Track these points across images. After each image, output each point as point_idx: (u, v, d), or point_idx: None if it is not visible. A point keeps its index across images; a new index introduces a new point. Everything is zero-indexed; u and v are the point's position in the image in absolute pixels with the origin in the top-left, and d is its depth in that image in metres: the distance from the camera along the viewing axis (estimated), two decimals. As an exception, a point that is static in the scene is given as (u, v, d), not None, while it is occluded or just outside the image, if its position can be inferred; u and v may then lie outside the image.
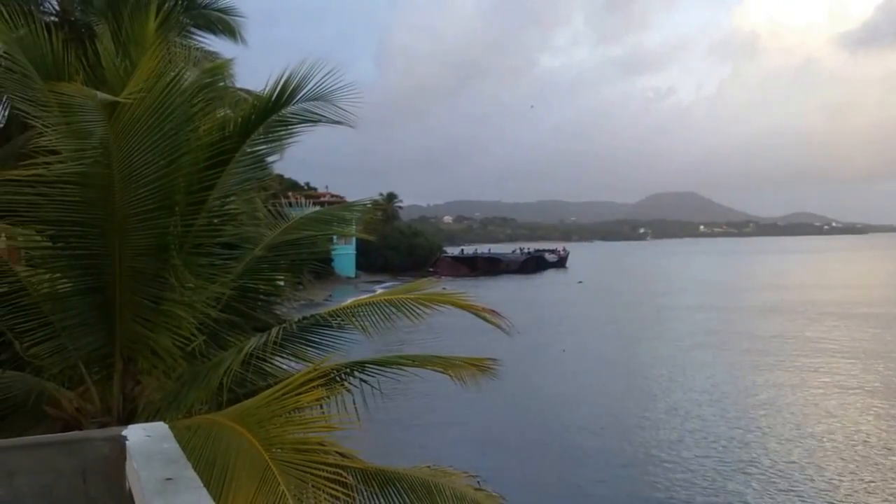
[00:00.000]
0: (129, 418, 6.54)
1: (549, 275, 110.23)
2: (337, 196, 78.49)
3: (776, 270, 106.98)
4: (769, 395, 27.86)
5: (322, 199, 64.20)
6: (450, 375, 7.84)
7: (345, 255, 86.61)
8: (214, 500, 3.07)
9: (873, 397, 27.27)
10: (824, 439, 21.89)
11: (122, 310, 6.73)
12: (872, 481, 18.23)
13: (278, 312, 9.01)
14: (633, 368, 33.81)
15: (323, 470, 5.87)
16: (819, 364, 33.40)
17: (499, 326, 8.00)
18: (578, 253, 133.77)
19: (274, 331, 7.01)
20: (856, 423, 23.61)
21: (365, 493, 6.70)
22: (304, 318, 7.94)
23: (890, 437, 22.05)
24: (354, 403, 7.25)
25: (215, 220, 7.25)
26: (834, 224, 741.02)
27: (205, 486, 3.13)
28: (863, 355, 35.69)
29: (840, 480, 18.30)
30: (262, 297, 8.40)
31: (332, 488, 5.89)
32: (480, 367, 7.89)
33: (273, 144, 7.44)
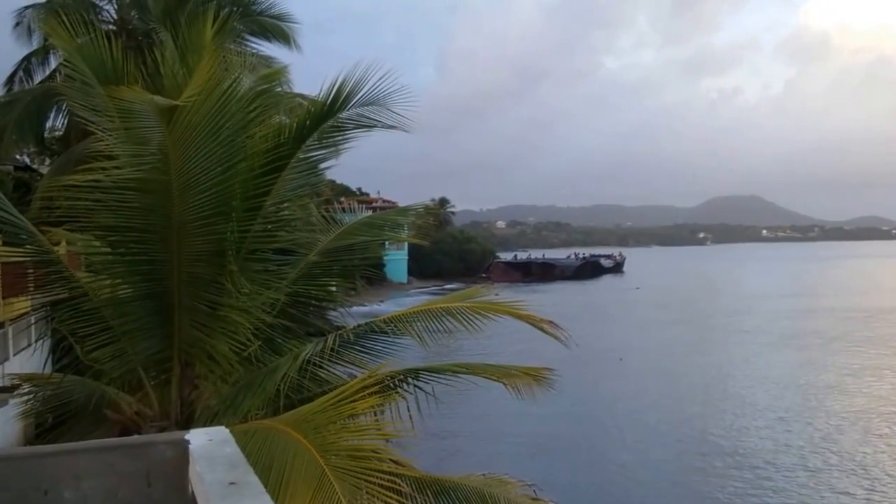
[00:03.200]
0: (187, 422, 6.59)
1: (606, 280, 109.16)
2: (389, 202, 78.95)
3: (842, 276, 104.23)
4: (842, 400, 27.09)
5: (374, 204, 64.65)
6: (505, 384, 7.75)
7: (397, 260, 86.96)
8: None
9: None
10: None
11: (181, 315, 6.78)
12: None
13: (332, 318, 9.01)
14: (692, 377, 33.19)
15: (378, 477, 5.83)
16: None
17: (557, 338, 7.88)
18: (635, 258, 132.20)
19: (330, 338, 7.01)
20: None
21: (419, 502, 6.64)
22: (360, 325, 7.92)
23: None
24: (409, 411, 7.20)
25: (270, 226, 7.27)
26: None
27: (267, 494, 3.12)
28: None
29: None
30: (315, 302, 8.40)
31: (387, 496, 5.84)
32: (536, 376, 7.78)
33: (328, 150, 7.44)
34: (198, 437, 3.88)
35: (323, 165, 7.72)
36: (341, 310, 9.35)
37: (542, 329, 7.92)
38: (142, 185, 6.40)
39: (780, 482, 18.61)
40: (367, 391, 5.86)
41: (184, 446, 3.79)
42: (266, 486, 3.42)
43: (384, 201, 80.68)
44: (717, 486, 18.31)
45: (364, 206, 10.40)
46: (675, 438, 22.89)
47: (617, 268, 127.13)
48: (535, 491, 7.72)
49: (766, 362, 36.60)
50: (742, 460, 20.51)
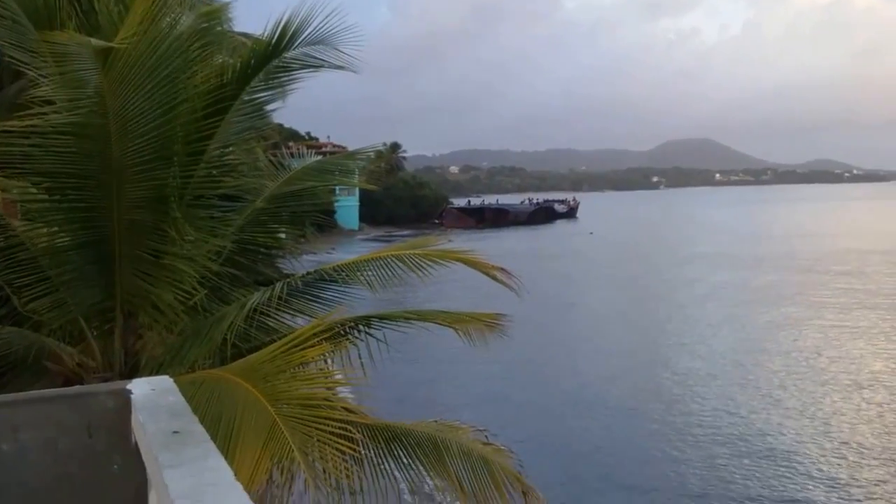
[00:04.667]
0: (132, 374, 6.45)
1: (559, 226, 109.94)
2: (339, 146, 77.94)
3: (791, 220, 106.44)
4: (784, 345, 27.78)
5: (324, 149, 63.81)
6: (457, 330, 7.74)
7: (348, 206, 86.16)
8: (222, 454, 2.99)
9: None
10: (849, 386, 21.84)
11: (122, 263, 6.58)
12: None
13: (281, 266, 8.87)
14: (646, 322, 33.76)
15: (329, 425, 5.78)
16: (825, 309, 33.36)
17: (508, 286, 7.87)
18: (589, 203, 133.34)
19: (278, 285, 6.88)
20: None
21: (371, 449, 6.62)
22: (309, 273, 7.81)
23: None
24: (361, 359, 7.16)
25: (215, 171, 7.06)
26: (855, 171, 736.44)
27: (212, 442, 3.06)
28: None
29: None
30: (263, 250, 8.24)
31: (339, 443, 5.81)
32: (489, 322, 7.78)
33: (273, 91, 7.21)
34: (140, 387, 3.79)
35: (269, 108, 7.51)
36: (291, 258, 9.22)
37: (493, 277, 7.90)
38: (79, 129, 6.15)
39: (722, 420, 19.09)
40: (317, 339, 5.78)
41: (125, 396, 3.70)
42: (215, 437, 3.35)
43: (334, 146, 79.60)
44: (668, 428, 18.72)
45: (313, 150, 10.17)
46: (628, 384, 23.30)
47: (571, 213, 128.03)
48: (486, 436, 7.76)
49: (717, 305, 37.35)
50: (687, 402, 20.97)
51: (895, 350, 26.51)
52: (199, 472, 2.60)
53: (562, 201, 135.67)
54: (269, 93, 7.23)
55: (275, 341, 6.22)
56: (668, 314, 34.94)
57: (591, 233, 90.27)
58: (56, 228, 6.69)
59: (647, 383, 23.05)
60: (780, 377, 23.22)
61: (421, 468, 6.93)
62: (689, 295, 40.21)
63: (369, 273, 7.67)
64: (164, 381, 3.89)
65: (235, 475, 2.65)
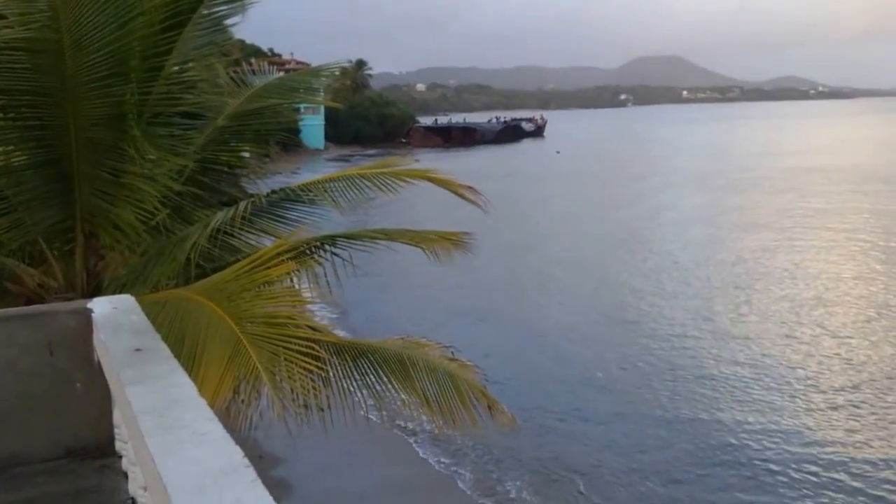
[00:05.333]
0: (94, 294, 6.38)
1: (526, 144, 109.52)
2: (303, 63, 76.16)
3: (755, 138, 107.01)
4: (748, 264, 28.24)
5: (287, 66, 62.40)
6: (423, 249, 7.76)
7: (313, 125, 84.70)
8: (186, 373, 3.01)
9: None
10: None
11: (81, 183, 6.47)
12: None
13: (245, 186, 8.77)
14: (611, 242, 34.05)
15: (295, 343, 5.82)
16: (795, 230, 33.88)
17: (476, 204, 7.87)
18: (556, 121, 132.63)
19: (242, 205, 6.81)
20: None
21: (338, 366, 6.68)
22: (273, 192, 7.73)
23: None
24: (326, 278, 7.16)
25: (174, 88, 6.89)
26: (821, 88, 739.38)
27: (175, 359, 3.07)
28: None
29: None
30: (227, 169, 8.12)
31: (305, 361, 5.85)
32: (454, 241, 7.79)
33: (233, 5, 7.00)
34: (101, 306, 3.79)
35: (229, 22, 7.29)
36: (256, 178, 9.12)
37: (461, 195, 7.89)
38: (31, 44, 5.95)
39: (688, 339, 19.50)
40: (281, 258, 5.76)
41: (87, 315, 3.70)
42: (180, 356, 3.37)
43: (298, 63, 77.80)
44: (632, 342, 19.06)
45: (276, 67, 9.94)
46: (593, 302, 23.61)
47: (538, 132, 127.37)
48: (452, 352, 7.86)
49: (681, 218, 37.78)
50: (653, 318, 21.34)
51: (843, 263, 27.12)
52: (163, 389, 2.62)
53: (529, 120, 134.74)
54: (229, 6, 7.01)
55: (239, 261, 6.19)
56: (631, 234, 35.29)
57: (558, 152, 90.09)
58: (12, 147, 6.53)
59: (612, 302, 23.38)
60: (741, 292, 23.67)
61: (388, 384, 7.02)
62: (653, 215, 40.56)
63: (335, 192, 7.62)
64: (126, 300, 3.87)
65: (199, 392, 2.67)
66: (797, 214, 38.22)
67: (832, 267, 27.05)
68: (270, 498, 1.91)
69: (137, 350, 3.08)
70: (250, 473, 2.00)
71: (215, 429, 2.26)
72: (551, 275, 27.27)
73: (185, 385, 2.66)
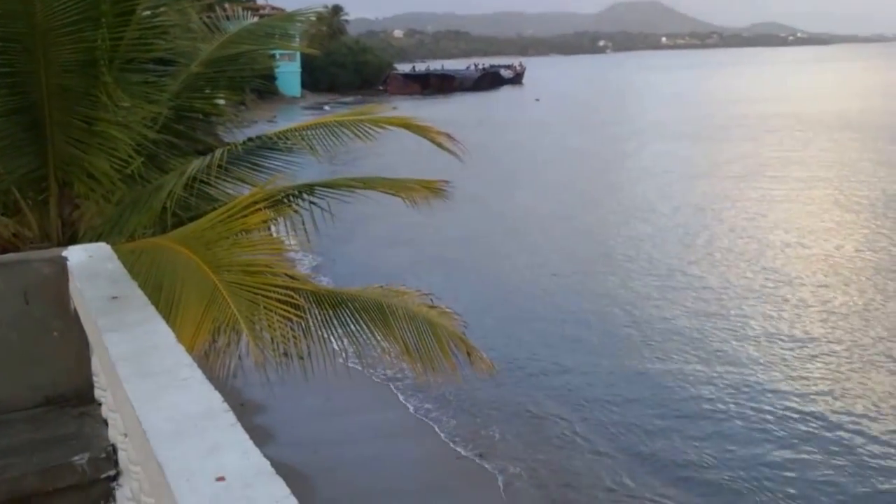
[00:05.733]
0: (69, 244, 6.29)
1: (505, 92, 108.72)
2: (277, 8, 74.68)
3: (732, 84, 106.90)
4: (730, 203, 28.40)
5: (261, 11, 61.21)
6: (402, 197, 7.74)
7: (289, 72, 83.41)
8: (163, 320, 3.01)
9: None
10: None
11: (53, 131, 6.37)
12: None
13: (221, 135, 8.67)
14: (589, 190, 34.09)
15: (274, 292, 5.82)
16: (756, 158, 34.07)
17: (453, 152, 7.83)
18: (535, 68, 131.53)
19: (218, 152, 6.73)
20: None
21: (317, 315, 6.69)
22: (250, 139, 7.65)
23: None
24: (304, 226, 7.13)
25: (146, 34, 6.75)
26: (799, 35, 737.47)
27: (152, 307, 3.07)
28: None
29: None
30: (202, 117, 8.02)
31: (284, 310, 5.86)
32: (432, 188, 7.77)
33: (205, -52, 6.86)
34: (76, 254, 3.76)
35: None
36: (232, 127, 9.02)
37: (438, 144, 7.84)
38: (-1, -11, 5.80)
39: (667, 281, 19.70)
40: (258, 206, 5.73)
41: (62, 263, 3.67)
42: (156, 304, 3.36)
43: (273, 8, 76.33)
44: (611, 291, 19.22)
45: (250, 12, 9.75)
46: (571, 249, 23.72)
47: (517, 79, 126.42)
48: (431, 300, 7.90)
49: (655, 167, 37.85)
50: (631, 263, 21.50)
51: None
52: (140, 336, 2.62)
53: (508, 66, 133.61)
54: (201, -51, 6.87)
55: (216, 210, 6.16)
56: (610, 182, 35.38)
57: (537, 99, 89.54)
58: (-19, 95, 6.40)
59: (590, 248, 23.52)
60: (719, 239, 23.88)
61: (368, 332, 7.06)
62: (631, 164, 40.62)
63: (313, 140, 7.55)
64: (101, 248, 3.85)
65: (177, 339, 2.67)
66: (773, 163, 38.38)
67: (804, 216, 27.30)
68: (250, 441, 1.93)
69: (114, 298, 3.07)
70: (230, 418, 2.02)
71: (194, 374, 2.27)
72: (529, 224, 27.32)
73: (162, 332, 2.66)
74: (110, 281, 3.32)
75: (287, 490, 1.71)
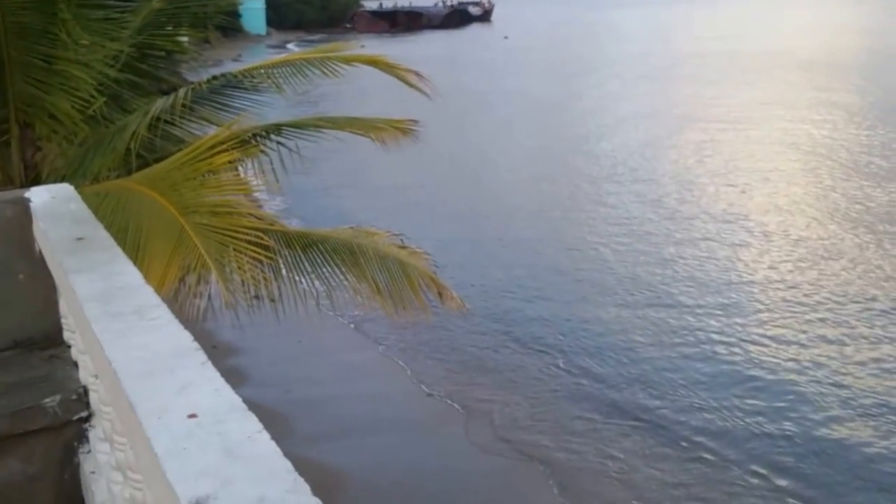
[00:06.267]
0: (33, 186, 6.23)
1: (473, 29, 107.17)
2: (243, -56, 72.62)
3: (705, 21, 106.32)
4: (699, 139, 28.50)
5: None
6: (371, 138, 7.67)
7: (253, 9, 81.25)
8: (130, 261, 2.98)
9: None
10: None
11: (12, 70, 6.20)
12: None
13: (185, 74, 8.49)
14: (558, 129, 33.98)
15: (243, 233, 5.79)
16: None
17: (422, 91, 7.75)
18: (504, 5, 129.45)
19: (181, 92, 6.61)
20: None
21: (288, 256, 6.67)
22: (214, 77, 7.49)
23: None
24: (273, 167, 7.06)
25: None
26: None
27: (119, 247, 3.04)
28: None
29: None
30: (165, 55, 7.83)
31: (254, 251, 5.84)
32: (402, 129, 7.70)
33: None
34: (39, 195, 3.69)
35: None
36: (197, 67, 8.84)
37: (407, 82, 7.75)
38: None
39: (637, 215, 19.83)
40: (224, 146, 5.65)
41: (24, 205, 3.60)
42: (124, 247, 3.32)
43: (237, -56, 74.16)
44: (580, 226, 19.32)
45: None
46: (540, 187, 23.69)
47: (485, 16, 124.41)
48: (401, 240, 7.90)
49: (626, 106, 37.82)
50: (599, 202, 21.58)
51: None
52: (107, 277, 2.59)
53: (476, 3, 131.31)
54: None
55: (182, 151, 6.06)
56: (578, 121, 35.25)
57: (506, 37, 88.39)
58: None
59: (559, 189, 23.52)
60: (689, 180, 24.02)
61: (338, 273, 7.05)
62: (599, 104, 40.45)
63: (279, 78, 7.42)
64: (65, 189, 3.78)
65: (145, 280, 2.65)
66: (754, 104, 38.42)
67: (777, 154, 27.49)
68: (222, 379, 1.94)
69: (79, 239, 3.03)
70: (200, 356, 2.02)
71: (163, 314, 2.26)
72: (500, 163, 27.24)
73: (129, 272, 2.64)
74: (74, 222, 3.27)
75: (259, 425, 1.72)
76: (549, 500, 9.08)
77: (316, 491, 1.57)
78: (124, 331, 2.20)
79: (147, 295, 2.41)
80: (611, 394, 11.29)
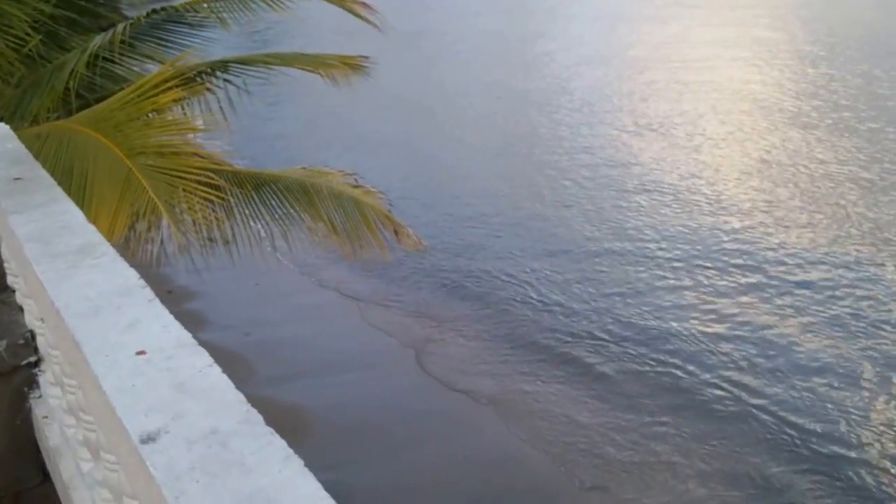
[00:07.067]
0: (-31, 130, 6.00)
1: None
2: None
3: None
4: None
5: None
6: (321, 74, 7.51)
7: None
8: (71, 200, 2.88)
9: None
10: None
11: (-62, 9, 5.91)
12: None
13: (125, 10, 8.19)
14: (509, 57, 33.63)
15: (192, 173, 5.65)
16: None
17: (370, 22, 7.57)
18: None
19: (120, 26, 6.37)
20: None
21: (239, 196, 6.54)
22: (154, 11, 7.22)
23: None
24: (220, 105, 6.88)
25: None
26: None
27: (59, 187, 2.94)
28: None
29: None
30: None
31: (204, 191, 5.72)
32: (352, 65, 7.55)
33: None
34: (-27, 136, 3.55)
35: None
36: (137, 3, 8.53)
37: (354, 13, 7.56)
38: None
39: (594, 153, 19.83)
40: (168, 84, 5.47)
41: (-43, 146, 3.46)
42: (69, 192, 3.23)
43: None
44: (533, 161, 19.25)
45: None
46: (495, 123, 23.49)
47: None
48: (356, 179, 7.79)
49: (579, 41, 37.51)
50: (552, 133, 21.49)
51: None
52: (48, 216, 2.51)
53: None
54: None
55: (124, 90, 5.86)
56: (525, 48, 34.95)
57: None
58: None
59: (513, 125, 23.34)
60: (643, 109, 24.04)
61: (292, 213, 6.95)
62: (562, 44, 40.04)
63: (222, 12, 7.18)
64: (1, 129, 3.64)
65: (89, 219, 2.56)
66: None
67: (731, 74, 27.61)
68: (170, 315, 1.89)
69: (17, 179, 2.92)
70: (147, 293, 1.96)
71: (107, 251, 2.19)
72: (452, 100, 26.87)
73: (70, 211, 2.55)
74: (12, 162, 3.15)
75: (210, 359, 1.68)
76: (500, 435, 9.15)
77: (282, 432, 1.54)
78: (67, 271, 2.13)
79: (90, 233, 2.34)
80: (562, 332, 11.38)
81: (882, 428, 9.13)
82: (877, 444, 8.87)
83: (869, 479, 8.38)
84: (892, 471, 8.50)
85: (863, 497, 8.18)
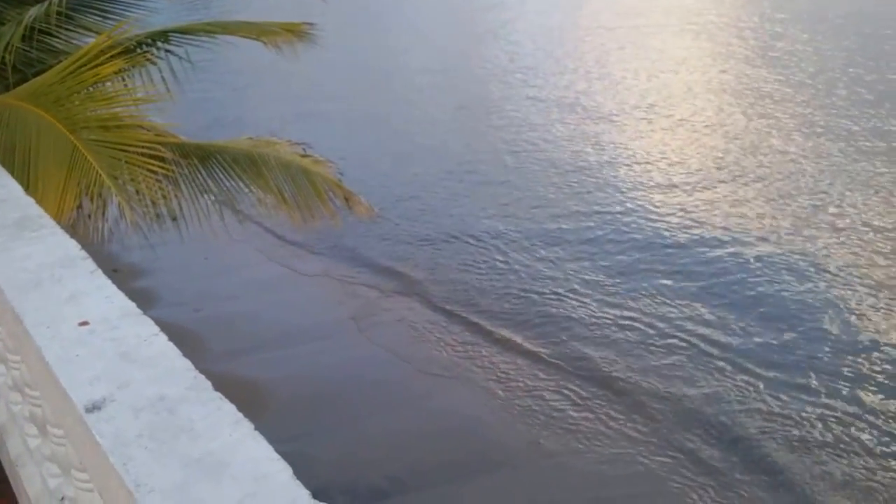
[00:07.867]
0: None
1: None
2: None
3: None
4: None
5: None
6: (265, 43, 7.40)
7: None
8: (8, 174, 2.81)
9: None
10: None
11: None
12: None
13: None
14: (460, 25, 33.38)
15: (137, 146, 5.55)
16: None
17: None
18: None
19: (56, -2, 6.17)
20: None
21: (185, 168, 6.44)
22: (92, -20, 7.02)
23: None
24: (163, 76, 6.74)
25: None
26: None
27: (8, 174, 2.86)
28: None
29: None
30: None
31: (149, 163, 5.62)
32: (297, 32, 7.44)
33: None
34: None
35: None
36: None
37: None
38: None
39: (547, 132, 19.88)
40: (108, 55, 5.34)
41: None
42: (12, 171, 3.15)
43: None
44: (486, 124, 19.21)
45: None
46: (445, 85, 23.30)
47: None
48: (304, 149, 7.71)
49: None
50: (506, 95, 21.45)
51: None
52: (-17, 190, 2.45)
53: None
54: None
55: (63, 63, 5.71)
56: (485, 22, 34.67)
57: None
58: None
59: (465, 89, 23.20)
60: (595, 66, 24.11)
61: (240, 184, 6.87)
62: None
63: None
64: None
65: (40, 206, 2.51)
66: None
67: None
68: (114, 286, 1.87)
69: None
70: (89, 265, 1.94)
71: (46, 223, 2.16)
72: (401, 67, 26.60)
73: (8, 184, 2.50)
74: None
75: (156, 328, 1.68)
76: (454, 400, 9.21)
77: (240, 407, 1.54)
78: (6, 244, 2.10)
79: (28, 206, 2.30)
80: (513, 296, 11.47)
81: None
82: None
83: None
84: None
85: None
